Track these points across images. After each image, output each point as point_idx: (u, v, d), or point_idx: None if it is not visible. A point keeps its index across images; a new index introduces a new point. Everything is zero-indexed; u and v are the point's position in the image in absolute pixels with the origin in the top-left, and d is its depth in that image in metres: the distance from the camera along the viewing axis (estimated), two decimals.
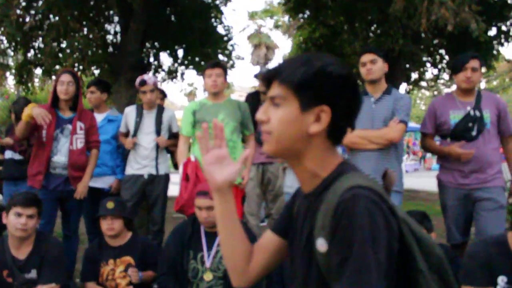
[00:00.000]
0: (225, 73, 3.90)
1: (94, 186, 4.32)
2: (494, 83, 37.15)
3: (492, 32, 8.92)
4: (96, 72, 9.18)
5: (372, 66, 3.36)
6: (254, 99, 4.66)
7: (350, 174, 1.08)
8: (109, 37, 9.13)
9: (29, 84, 8.89)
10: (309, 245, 1.10)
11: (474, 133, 3.40)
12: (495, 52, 9.70)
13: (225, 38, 9.59)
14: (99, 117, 4.48)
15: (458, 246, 3.48)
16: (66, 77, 3.83)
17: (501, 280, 2.29)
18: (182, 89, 12.58)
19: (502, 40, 9.26)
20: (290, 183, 3.94)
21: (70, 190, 3.85)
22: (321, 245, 1.04)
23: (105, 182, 4.40)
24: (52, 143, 3.79)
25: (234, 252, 1.29)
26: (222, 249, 1.34)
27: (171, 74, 9.98)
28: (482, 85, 42.12)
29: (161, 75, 9.78)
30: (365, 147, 3.29)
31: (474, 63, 3.44)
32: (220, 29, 9.59)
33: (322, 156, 1.12)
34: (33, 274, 3.09)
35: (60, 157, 3.80)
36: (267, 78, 1.14)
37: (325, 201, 1.05)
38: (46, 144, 3.77)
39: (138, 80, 4.21)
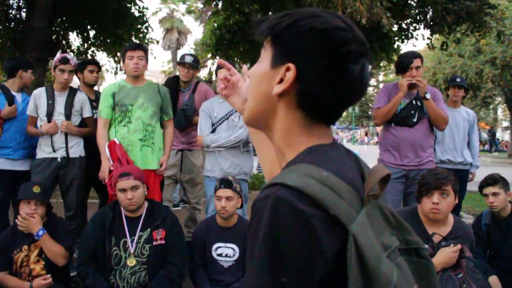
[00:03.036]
0: (147, 56, 3.83)
1: (17, 169, 4.11)
2: (391, 76, 40.03)
3: (394, 29, 9.60)
4: None
5: None
6: (173, 85, 4.61)
7: (296, 165, 0.84)
8: (11, 12, 8.53)
9: None
10: None
11: (414, 119, 3.88)
12: (395, 47, 10.50)
13: (140, 21, 9.32)
14: (18, 96, 4.25)
15: None
16: None
17: None
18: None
19: (403, 37, 10.02)
20: (210, 166, 3.99)
21: None
22: None
23: (28, 165, 4.19)
24: None
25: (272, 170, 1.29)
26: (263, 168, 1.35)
27: (81, 55, 9.54)
28: (380, 77, 45.35)
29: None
30: None
31: (417, 62, 3.86)
32: (134, 11, 9.30)
33: (290, 131, 0.92)
34: None
35: None
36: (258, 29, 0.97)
37: None
38: None
39: (59, 56, 4.02)
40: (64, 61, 3.97)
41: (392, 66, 23.59)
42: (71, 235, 3.43)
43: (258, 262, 0.76)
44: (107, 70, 11.02)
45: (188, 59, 4.54)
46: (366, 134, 47.07)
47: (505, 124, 41.28)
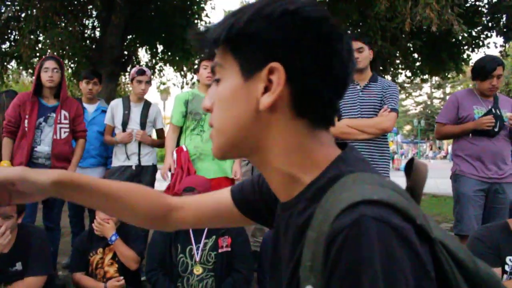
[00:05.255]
0: None
1: None
2: (459, 88, 38.44)
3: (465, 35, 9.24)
4: (73, 66, 9.09)
5: (359, 55, 3.26)
6: None
7: (350, 177, 0.68)
8: (87, 32, 9.07)
9: (4, 77, 8.74)
10: (295, 285, 0.71)
11: (496, 129, 3.58)
12: (465, 56, 10.09)
13: None
14: (91, 108, 4.48)
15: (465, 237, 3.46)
16: (51, 64, 3.73)
17: (509, 260, 2.50)
18: (159, 85, 12.49)
19: (473, 46, 9.61)
20: None
21: None
22: None
23: (98, 172, 4.37)
24: (34, 132, 3.68)
25: (132, 219, 1.09)
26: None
27: (149, 70, 9.97)
28: (447, 89, 43.65)
29: None
30: (356, 137, 3.14)
31: (500, 69, 3.59)
32: (201, 27, 9.62)
33: (296, 147, 0.73)
34: (18, 267, 3.04)
35: (44, 147, 3.71)
36: (200, 45, 0.78)
37: (314, 226, 0.65)
38: (28, 134, 3.66)
39: (136, 69, 4.21)
40: (141, 72, 4.15)
41: (461, 77, 22.66)
42: (143, 240, 3.55)
43: None
44: (174, 84, 11.41)
45: None
46: (431, 148, 45.38)
47: None
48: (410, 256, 0.58)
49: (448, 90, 43.87)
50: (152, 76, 10.10)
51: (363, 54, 3.29)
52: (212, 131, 0.79)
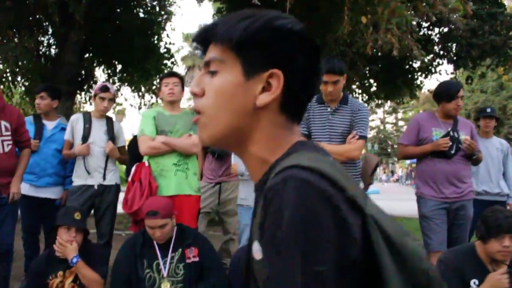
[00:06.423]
0: (182, 83, 3.85)
1: (42, 197, 4.07)
2: (410, 113, 39.89)
3: (416, 64, 9.68)
4: (26, 83, 8.79)
5: (334, 87, 3.22)
6: None
7: (298, 153, 0.79)
8: (42, 49, 8.83)
9: None
10: (250, 250, 0.81)
11: (452, 151, 3.75)
12: (418, 82, 10.55)
13: (166, 56, 9.56)
14: (50, 124, 4.30)
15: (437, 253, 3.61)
16: None
17: (473, 282, 2.59)
18: (115, 106, 12.17)
19: (426, 72, 10.06)
20: (244, 195, 3.94)
21: (1, 198, 3.47)
22: (256, 250, 0.75)
23: (55, 192, 4.18)
24: None
25: None
26: None
27: (113, 87, 9.81)
28: (399, 115, 45.28)
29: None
30: None
31: (462, 91, 3.83)
32: (160, 47, 9.57)
33: (274, 136, 0.85)
34: None
35: None
36: (201, 38, 0.88)
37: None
38: None
39: (99, 85, 4.09)
40: (105, 89, 4.03)
41: (412, 103, 23.55)
42: (105, 262, 3.39)
43: (287, 253, 0.66)
44: (131, 105, 11.24)
45: None
46: (385, 172, 46.58)
47: None
48: (332, 214, 0.67)
49: (400, 115, 45.47)
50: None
51: (338, 86, 3.24)
52: (202, 119, 0.86)
